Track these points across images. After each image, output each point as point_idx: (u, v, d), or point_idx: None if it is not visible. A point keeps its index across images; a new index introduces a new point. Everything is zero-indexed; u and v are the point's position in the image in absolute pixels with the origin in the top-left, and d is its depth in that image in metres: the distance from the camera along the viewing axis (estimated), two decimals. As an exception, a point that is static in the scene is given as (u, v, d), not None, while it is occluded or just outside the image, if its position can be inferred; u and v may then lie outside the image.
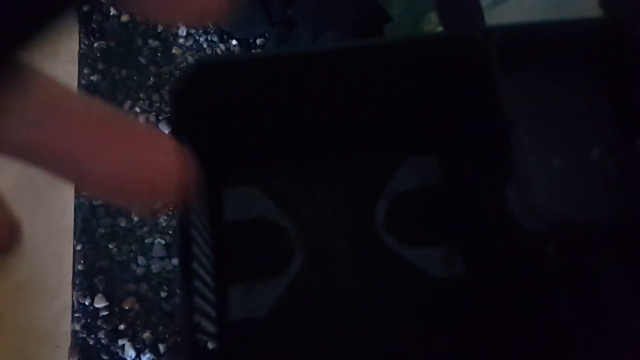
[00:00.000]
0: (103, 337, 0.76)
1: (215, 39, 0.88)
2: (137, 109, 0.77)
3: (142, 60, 0.88)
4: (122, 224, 0.76)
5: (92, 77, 0.76)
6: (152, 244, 0.82)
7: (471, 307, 0.41)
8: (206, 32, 0.89)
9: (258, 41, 0.88)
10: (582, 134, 0.35)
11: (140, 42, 0.89)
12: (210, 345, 0.34)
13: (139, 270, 0.81)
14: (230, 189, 0.43)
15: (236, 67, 0.34)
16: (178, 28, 0.90)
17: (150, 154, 0.11)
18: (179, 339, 0.50)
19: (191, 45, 0.89)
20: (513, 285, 0.38)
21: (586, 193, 0.34)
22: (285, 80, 0.36)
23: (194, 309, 0.28)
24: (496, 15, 0.45)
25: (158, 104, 0.82)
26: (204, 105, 0.34)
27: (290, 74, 0.35)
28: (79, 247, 0.81)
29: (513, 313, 0.38)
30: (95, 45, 0.88)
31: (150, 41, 0.89)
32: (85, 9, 0.76)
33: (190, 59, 0.85)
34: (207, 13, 0.12)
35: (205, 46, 0.89)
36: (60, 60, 0.74)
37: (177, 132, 0.31)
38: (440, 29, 0.59)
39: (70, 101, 0.11)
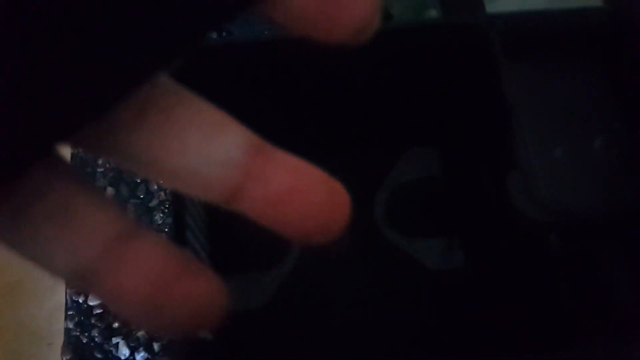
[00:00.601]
0: (97, 335, 0.75)
1: (215, 36, 0.88)
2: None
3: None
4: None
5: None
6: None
7: (471, 299, 0.40)
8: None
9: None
10: (585, 123, 0.35)
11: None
12: (206, 338, 0.33)
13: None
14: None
15: (232, 53, 0.34)
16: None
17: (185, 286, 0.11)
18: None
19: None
20: (514, 276, 0.37)
21: (588, 182, 0.33)
22: (282, 67, 0.35)
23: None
24: (498, 7, 0.45)
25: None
26: (208, 89, 0.33)
27: (288, 61, 0.35)
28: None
29: (514, 304, 0.37)
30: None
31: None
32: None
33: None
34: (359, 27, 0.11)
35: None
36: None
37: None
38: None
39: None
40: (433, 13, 0.66)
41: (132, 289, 0.11)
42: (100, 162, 0.82)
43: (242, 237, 0.43)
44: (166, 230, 0.85)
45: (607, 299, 0.32)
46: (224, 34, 0.90)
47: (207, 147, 0.11)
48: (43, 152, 0.10)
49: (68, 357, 0.74)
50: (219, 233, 0.39)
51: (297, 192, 0.12)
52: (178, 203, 0.28)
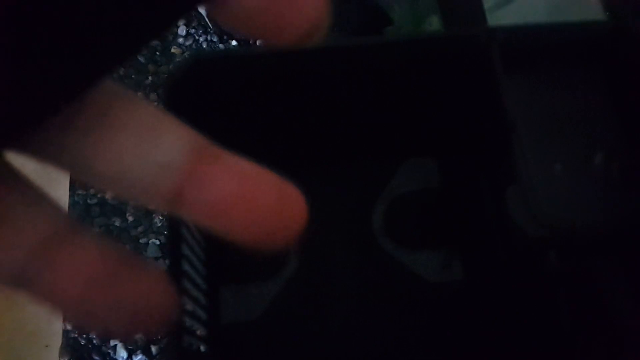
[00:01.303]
0: (95, 337, 0.75)
1: (215, 39, 0.88)
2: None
3: (141, 59, 0.88)
4: (117, 224, 0.75)
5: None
6: (147, 244, 0.81)
7: (469, 312, 0.40)
8: (206, 32, 0.89)
9: (258, 42, 0.88)
10: (585, 138, 0.34)
11: (139, 41, 0.89)
12: (201, 349, 0.33)
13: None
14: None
15: (231, 64, 0.33)
16: (178, 27, 0.90)
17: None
18: (169, 342, 0.49)
19: (190, 45, 0.88)
20: (513, 292, 0.37)
21: (589, 199, 0.33)
22: (281, 78, 0.35)
23: (183, 311, 0.27)
24: (498, 18, 0.45)
25: (155, 104, 0.81)
26: (196, 102, 0.33)
27: (287, 72, 0.34)
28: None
29: (512, 320, 0.37)
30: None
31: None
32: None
33: (192, 53, 0.84)
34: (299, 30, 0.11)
35: (205, 46, 0.88)
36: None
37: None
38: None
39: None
40: (434, 19, 0.66)
41: (65, 289, 0.11)
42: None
43: (237, 248, 0.43)
44: (165, 233, 0.85)
45: (608, 318, 0.32)
46: (220, 37, 0.90)
47: (144, 150, 0.11)
48: None
49: (66, 359, 0.74)
50: (215, 245, 0.38)
51: (241, 197, 0.11)
52: (175, 218, 0.28)
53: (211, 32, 0.88)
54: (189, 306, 0.30)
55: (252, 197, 0.11)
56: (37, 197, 0.11)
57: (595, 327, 0.33)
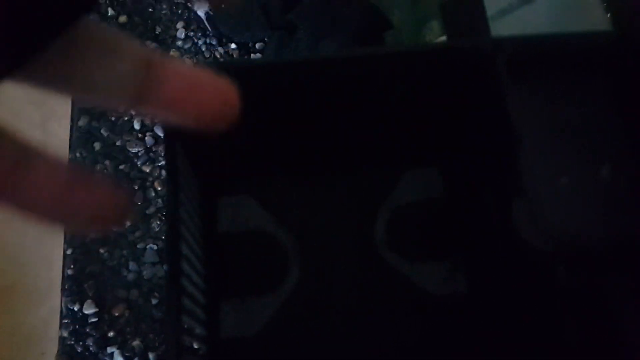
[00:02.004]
0: (91, 344, 0.74)
1: (214, 42, 0.87)
2: (133, 112, 0.76)
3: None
4: (114, 228, 0.75)
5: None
6: (144, 249, 0.80)
7: (473, 326, 0.39)
8: (205, 35, 0.88)
9: (257, 45, 0.87)
10: (592, 150, 0.34)
11: (137, 44, 0.88)
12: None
13: (130, 276, 0.80)
14: (225, 198, 0.41)
15: (233, 74, 0.33)
16: (177, 30, 0.89)
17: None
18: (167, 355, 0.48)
19: (189, 48, 0.88)
20: (517, 305, 0.36)
21: (595, 211, 0.33)
22: (283, 89, 0.34)
23: (181, 329, 0.26)
24: (502, 26, 0.44)
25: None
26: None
27: (288, 82, 0.34)
28: (69, 252, 0.80)
29: (517, 334, 0.36)
30: (91, 45, 0.87)
31: (148, 43, 0.88)
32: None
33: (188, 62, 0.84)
34: None
35: (203, 49, 0.87)
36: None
37: (169, 139, 0.30)
38: (442, 37, 0.58)
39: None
40: (434, 24, 0.65)
41: (33, 199, 0.13)
42: (97, 166, 0.81)
43: (237, 263, 0.42)
44: (163, 238, 0.84)
45: (614, 331, 0.31)
46: (219, 40, 0.89)
47: (107, 64, 0.14)
48: None
49: (62, 367, 0.73)
50: (214, 259, 0.38)
51: (190, 92, 0.15)
52: (173, 231, 0.27)
53: (210, 35, 0.87)
54: (189, 322, 0.29)
55: (195, 91, 0.15)
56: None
57: (602, 342, 0.32)
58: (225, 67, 0.33)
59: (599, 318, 0.33)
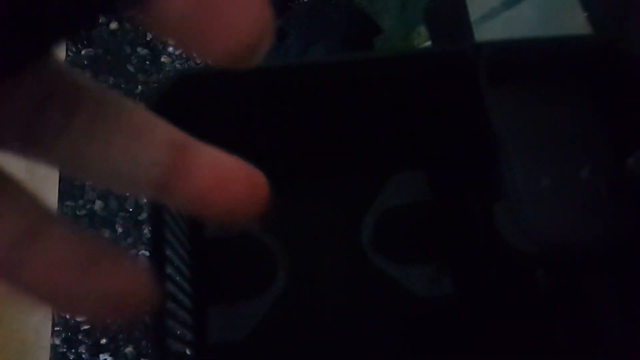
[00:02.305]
0: (84, 351, 0.74)
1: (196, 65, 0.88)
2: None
3: (131, 68, 0.87)
4: (106, 235, 0.75)
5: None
6: (136, 255, 0.80)
7: (459, 327, 0.40)
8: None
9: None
10: (572, 152, 0.34)
11: (129, 50, 0.88)
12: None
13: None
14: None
15: (219, 80, 0.33)
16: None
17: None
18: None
19: (180, 54, 0.88)
20: (502, 306, 0.37)
21: (576, 213, 0.33)
22: (269, 94, 0.35)
23: (165, 332, 0.26)
24: (485, 31, 0.45)
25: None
26: (183, 117, 0.33)
27: (275, 87, 0.34)
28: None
29: (502, 334, 0.37)
30: (83, 52, 0.87)
31: (139, 49, 0.88)
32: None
33: (179, 68, 0.84)
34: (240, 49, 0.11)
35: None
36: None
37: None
38: (429, 42, 0.58)
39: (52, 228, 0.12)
40: (422, 29, 0.66)
41: (44, 278, 0.11)
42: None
43: (224, 267, 0.42)
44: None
45: (597, 331, 0.32)
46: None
47: (133, 149, 0.12)
48: None
49: (54, 374, 0.73)
50: (202, 264, 0.38)
51: (217, 186, 0.13)
52: (156, 234, 0.28)
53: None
54: (176, 328, 0.29)
55: (226, 185, 0.13)
56: (16, 189, 0.12)
57: (584, 342, 0.33)
58: (212, 73, 0.33)
59: (581, 318, 0.33)
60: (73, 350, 0.74)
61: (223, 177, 0.13)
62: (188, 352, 0.32)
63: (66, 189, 0.79)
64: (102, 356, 0.73)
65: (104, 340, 0.74)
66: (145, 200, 0.82)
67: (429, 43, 0.61)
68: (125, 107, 0.12)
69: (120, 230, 0.77)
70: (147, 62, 0.89)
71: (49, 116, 0.11)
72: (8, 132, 0.11)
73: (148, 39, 0.88)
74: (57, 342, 0.73)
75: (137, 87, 0.86)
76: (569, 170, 0.34)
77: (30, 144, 0.11)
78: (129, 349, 0.74)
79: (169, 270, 0.29)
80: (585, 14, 0.38)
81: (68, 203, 0.80)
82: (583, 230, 0.33)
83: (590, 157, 0.34)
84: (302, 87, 0.35)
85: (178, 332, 0.30)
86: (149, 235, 0.26)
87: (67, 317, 0.74)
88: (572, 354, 0.32)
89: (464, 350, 0.39)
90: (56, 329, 0.74)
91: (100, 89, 0.12)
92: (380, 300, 0.41)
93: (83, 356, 0.73)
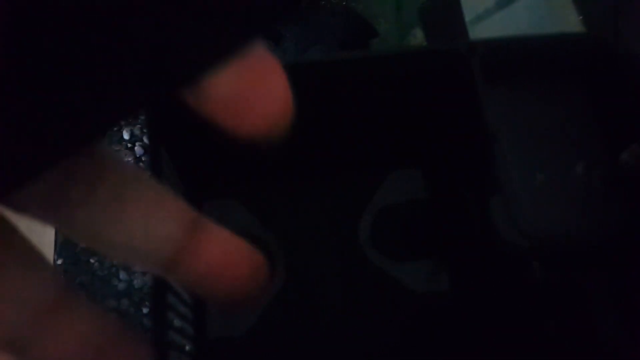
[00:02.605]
0: None
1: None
2: (122, 122, 0.76)
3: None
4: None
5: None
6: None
7: (456, 323, 0.40)
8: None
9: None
10: (566, 148, 0.35)
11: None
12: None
13: (121, 286, 0.80)
14: (211, 201, 0.42)
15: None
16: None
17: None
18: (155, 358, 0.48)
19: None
20: (498, 301, 0.37)
21: (571, 208, 0.33)
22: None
23: (168, 326, 0.27)
24: (480, 31, 0.45)
25: (143, 116, 0.81)
26: (183, 115, 0.33)
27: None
28: (59, 262, 0.79)
29: (498, 329, 0.37)
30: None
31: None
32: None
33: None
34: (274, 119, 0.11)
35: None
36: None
37: (154, 143, 0.31)
38: (425, 44, 0.59)
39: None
40: (418, 31, 0.67)
41: (58, 357, 0.11)
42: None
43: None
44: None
45: (591, 324, 0.32)
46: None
47: (148, 225, 0.12)
48: None
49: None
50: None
51: (223, 266, 0.13)
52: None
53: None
54: (176, 322, 0.29)
55: (232, 263, 0.13)
56: (34, 259, 0.12)
57: (580, 336, 0.33)
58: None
59: (576, 312, 0.33)
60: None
61: (231, 254, 0.13)
62: (188, 347, 0.32)
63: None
64: None
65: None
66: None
67: (424, 45, 0.62)
68: (142, 181, 0.13)
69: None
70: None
71: (73, 187, 0.11)
72: (32, 197, 0.11)
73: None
74: None
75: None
76: (564, 166, 0.34)
77: (50, 212, 0.12)
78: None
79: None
80: (580, 17, 0.39)
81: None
82: (578, 225, 0.33)
83: (585, 153, 0.35)
84: (298, 86, 0.36)
85: (179, 325, 0.30)
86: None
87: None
88: (568, 348, 0.33)
89: (461, 346, 0.39)
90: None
91: (120, 161, 0.12)
92: (378, 296, 0.41)
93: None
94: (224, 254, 0.13)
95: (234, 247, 0.13)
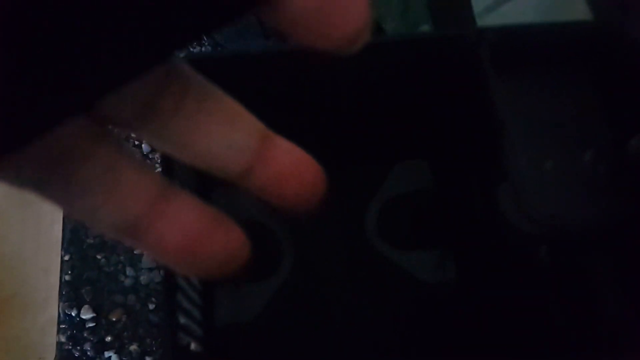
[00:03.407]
0: (89, 349, 0.74)
1: (208, 49, 0.88)
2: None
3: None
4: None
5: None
6: (141, 254, 0.80)
7: (464, 312, 0.40)
8: (199, 44, 0.89)
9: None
10: (575, 136, 0.35)
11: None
12: (196, 349, 0.33)
13: (127, 282, 0.80)
14: (220, 190, 0.42)
15: (218, 70, 0.34)
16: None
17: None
18: (164, 342, 0.48)
19: (184, 57, 0.89)
20: (505, 289, 0.37)
21: (578, 195, 0.33)
22: (271, 82, 0.35)
23: (178, 310, 0.27)
24: (489, 22, 0.45)
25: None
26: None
27: (277, 76, 0.35)
28: (66, 258, 0.80)
29: (506, 318, 0.37)
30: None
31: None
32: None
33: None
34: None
35: (198, 57, 0.89)
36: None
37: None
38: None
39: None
40: (425, 29, 0.67)
41: (172, 240, 0.13)
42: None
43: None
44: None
45: (598, 311, 0.32)
46: (214, 47, 0.91)
47: (229, 134, 0.13)
48: (73, 109, 0.10)
49: (60, 372, 0.74)
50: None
51: (294, 173, 0.14)
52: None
53: (204, 43, 0.88)
54: (185, 305, 0.30)
55: (299, 172, 0.14)
56: (141, 162, 0.13)
57: (588, 323, 0.33)
58: (221, 58, 0.34)
59: (584, 299, 0.33)
60: (78, 348, 0.74)
61: (297, 164, 0.14)
62: (197, 329, 0.32)
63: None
64: (107, 353, 0.73)
65: (109, 338, 0.74)
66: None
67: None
68: (221, 96, 0.14)
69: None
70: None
71: (164, 99, 0.12)
72: (128, 108, 0.12)
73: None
74: (63, 339, 0.73)
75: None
76: (572, 154, 0.34)
77: (143, 123, 0.13)
78: (133, 347, 0.74)
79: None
80: (586, 3, 0.39)
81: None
82: (585, 212, 0.33)
83: (593, 140, 0.35)
84: (304, 75, 0.36)
85: (188, 309, 0.30)
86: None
87: (73, 314, 0.74)
88: (576, 334, 0.33)
89: (469, 335, 0.39)
90: (62, 326, 0.74)
91: (202, 78, 0.13)
92: (385, 285, 0.41)
93: (88, 353, 0.73)
94: (291, 164, 0.14)
95: (300, 158, 0.14)
